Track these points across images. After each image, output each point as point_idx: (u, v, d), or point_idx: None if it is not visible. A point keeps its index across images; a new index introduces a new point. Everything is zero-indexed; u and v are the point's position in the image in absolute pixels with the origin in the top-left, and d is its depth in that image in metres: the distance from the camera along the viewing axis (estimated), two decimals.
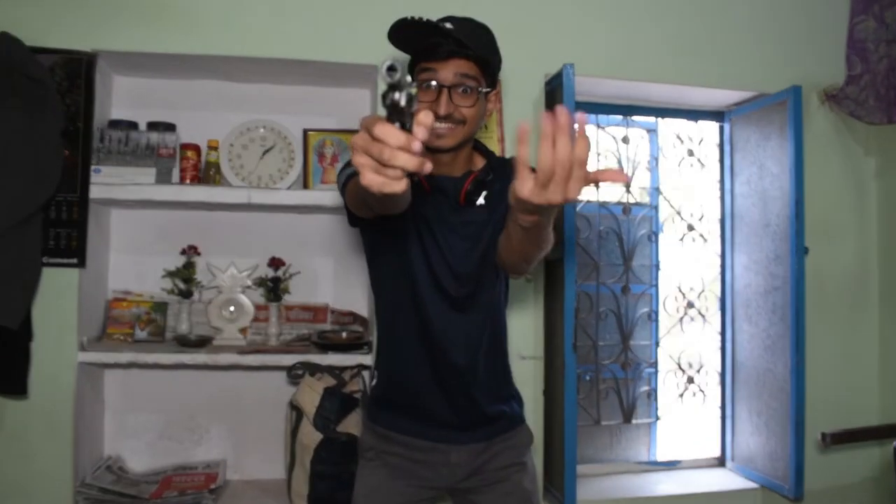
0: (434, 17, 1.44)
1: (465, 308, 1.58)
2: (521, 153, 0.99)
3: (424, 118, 0.86)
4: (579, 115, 0.94)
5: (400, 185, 0.89)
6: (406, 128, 0.87)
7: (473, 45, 1.46)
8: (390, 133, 0.85)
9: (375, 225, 1.58)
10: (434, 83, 1.48)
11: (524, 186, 1.00)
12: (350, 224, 1.60)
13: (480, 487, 1.65)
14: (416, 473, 1.62)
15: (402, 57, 1.43)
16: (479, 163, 1.65)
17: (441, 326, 1.57)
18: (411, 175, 0.90)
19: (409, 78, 0.86)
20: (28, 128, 2.08)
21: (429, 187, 1.55)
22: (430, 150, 1.52)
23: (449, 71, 1.47)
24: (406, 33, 1.45)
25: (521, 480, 1.66)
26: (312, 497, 2.17)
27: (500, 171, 1.61)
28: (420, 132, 0.86)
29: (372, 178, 0.88)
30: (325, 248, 2.64)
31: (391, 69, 0.85)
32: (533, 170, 0.99)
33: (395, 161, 0.85)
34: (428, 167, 0.88)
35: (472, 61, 1.49)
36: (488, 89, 1.55)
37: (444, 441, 1.61)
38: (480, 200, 1.58)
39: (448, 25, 1.44)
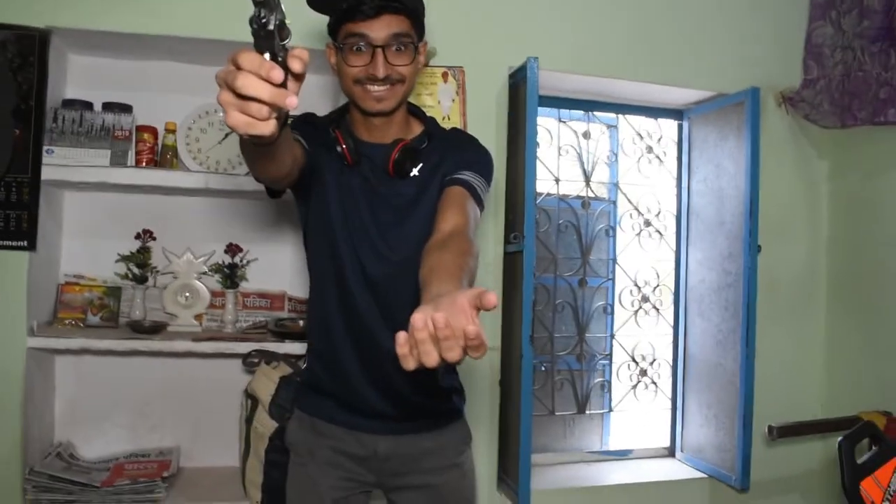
0: None
1: (391, 289, 1.49)
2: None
3: (300, 52, 0.80)
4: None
5: (265, 127, 0.80)
6: (279, 60, 0.78)
7: None
8: (248, 59, 0.76)
9: (301, 195, 1.53)
10: (364, 45, 1.39)
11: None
12: (269, 196, 1.50)
13: (412, 488, 1.58)
14: (345, 467, 1.57)
15: None
16: (417, 129, 1.57)
17: (365, 308, 1.50)
18: (285, 121, 0.83)
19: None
20: None
21: (351, 159, 1.48)
22: (369, 114, 1.46)
23: (381, 29, 1.38)
24: None
25: (457, 485, 1.60)
26: (266, 485, 2.16)
27: (440, 140, 1.55)
28: (296, 64, 0.79)
29: (236, 118, 0.79)
30: (284, 235, 2.62)
31: None
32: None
33: (248, 90, 0.76)
34: (291, 102, 0.79)
35: (402, 15, 1.40)
36: (419, 41, 1.47)
37: (370, 431, 1.55)
38: (414, 172, 1.50)
39: None
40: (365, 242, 1.48)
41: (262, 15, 0.77)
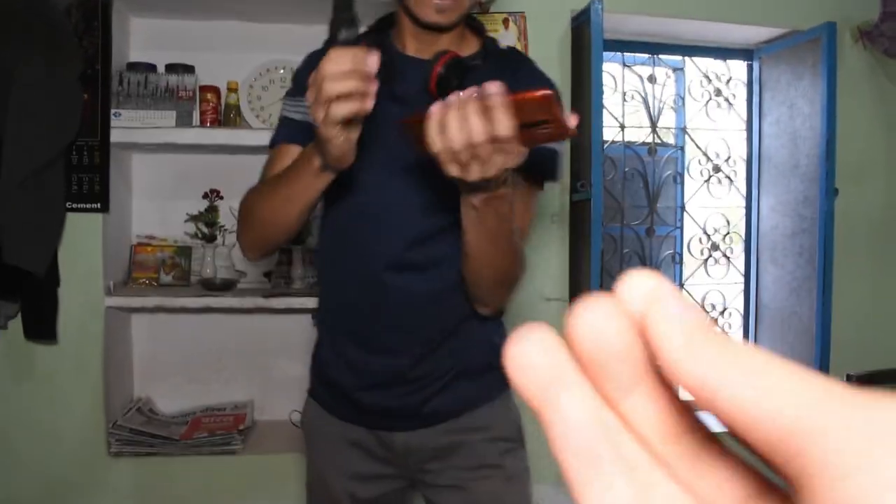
0: None
1: (429, 253, 1.22)
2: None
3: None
4: (486, 87, 0.79)
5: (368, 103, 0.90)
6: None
7: None
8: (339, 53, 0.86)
9: None
10: None
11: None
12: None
13: (444, 488, 1.28)
14: (371, 454, 1.31)
15: None
16: (472, 46, 1.28)
17: (389, 294, 1.22)
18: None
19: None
20: (47, 73, 2.05)
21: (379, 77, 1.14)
22: (423, 26, 1.20)
23: None
24: None
25: (497, 492, 1.26)
26: None
27: (498, 60, 1.25)
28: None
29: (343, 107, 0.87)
30: None
31: None
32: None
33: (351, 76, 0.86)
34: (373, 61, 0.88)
35: None
36: None
37: (382, 427, 1.28)
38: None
39: None
40: (395, 184, 1.20)
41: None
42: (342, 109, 0.86)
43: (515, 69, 1.25)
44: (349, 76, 0.85)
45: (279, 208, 1.14)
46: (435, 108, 0.82)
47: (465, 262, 1.10)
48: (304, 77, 1.14)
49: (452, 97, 0.81)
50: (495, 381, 1.29)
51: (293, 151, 1.22)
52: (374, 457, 1.30)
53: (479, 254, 1.05)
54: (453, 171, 0.85)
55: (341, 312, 1.31)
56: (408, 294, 1.21)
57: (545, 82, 1.26)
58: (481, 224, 0.98)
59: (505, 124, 0.78)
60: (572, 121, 0.77)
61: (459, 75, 1.15)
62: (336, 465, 1.31)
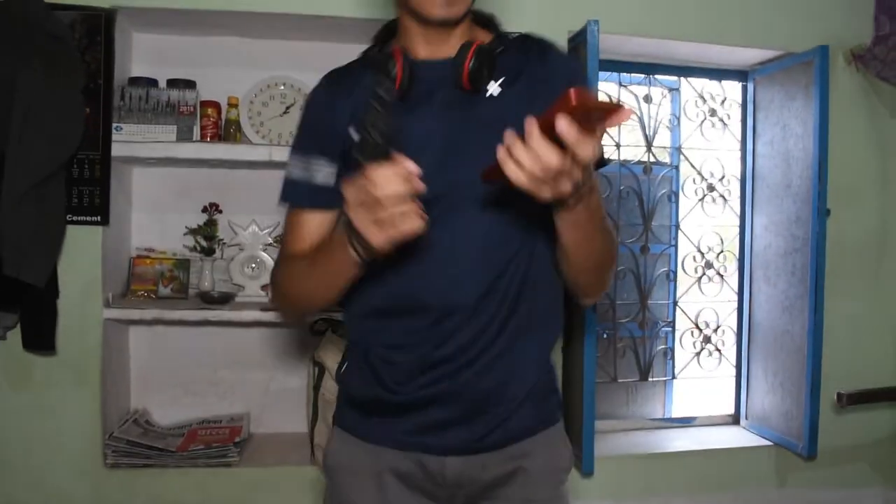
0: None
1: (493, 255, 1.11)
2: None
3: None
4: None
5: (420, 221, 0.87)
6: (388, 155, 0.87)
7: None
8: (381, 173, 0.84)
9: None
10: None
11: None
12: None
13: None
14: (412, 487, 1.17)
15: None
16: (486, 39, 1.16)
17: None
18: None
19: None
20: (49, 86, 2.07)
21: (399, 86, 1.09)
22: (430, 22, 1.10)
23: None
24: None
25: None
26: None
27: (519, 46, 1.17)
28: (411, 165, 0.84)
29: (409, 225, 0.86)
30: None
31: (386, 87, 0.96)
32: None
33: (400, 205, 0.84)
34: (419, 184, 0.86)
35: None
36: None
37: (432, 450, 1.14)
38: (494, 89, 1.12)
39: None
40: (461, 218, 1.10)
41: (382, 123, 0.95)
42: (407, 228, 0.86)
43: (541, 53, 1.17)
44: (406, 200, 0.85)
45: (317, 290, 1.11)
46: (501, 152, 0.80)
47: (566, 262, 1.07)
48: (309, 131, 1.20)
49: (508, 135, 0.80)
50: (554, 407, 1.23)
51: (310, 219, 1.18)
52: (415, 490, 1.16)
53: (577, 249, 1.02)
54: (547, 193, 0.83)
55: (390, 331, 1.16)
56: (476, 330, 1.11)
57: (572, 65, 1.31)
58: (576, 223, 0.96)
59: (577, 140, 0.76)
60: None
61: (489, 65, 1.10)
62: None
